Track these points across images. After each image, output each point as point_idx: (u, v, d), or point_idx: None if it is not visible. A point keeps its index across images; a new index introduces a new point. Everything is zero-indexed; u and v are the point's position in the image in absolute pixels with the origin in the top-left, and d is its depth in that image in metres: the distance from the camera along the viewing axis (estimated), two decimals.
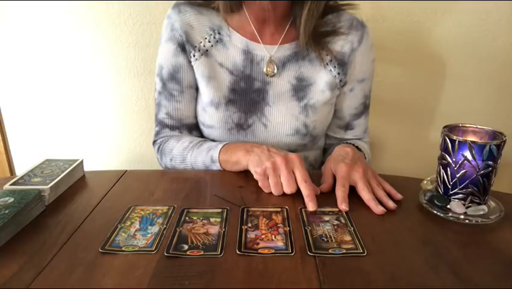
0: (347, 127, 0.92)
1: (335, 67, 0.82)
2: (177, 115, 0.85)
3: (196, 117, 0.87)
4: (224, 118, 0.82)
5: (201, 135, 0.90)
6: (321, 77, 0.82)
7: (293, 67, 0.82)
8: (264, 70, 0.81)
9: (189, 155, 0.80)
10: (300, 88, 0.82)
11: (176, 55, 0.82)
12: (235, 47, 0.81)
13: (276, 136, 0.83)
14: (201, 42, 0.81)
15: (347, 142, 0.91)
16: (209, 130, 0.85)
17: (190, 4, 0.82)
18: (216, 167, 0.76)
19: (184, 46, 0.81)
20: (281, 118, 0.82)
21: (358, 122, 0.91)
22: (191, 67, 0.82)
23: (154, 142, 0.88)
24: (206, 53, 0.81)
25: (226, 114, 0.82)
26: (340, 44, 0.83)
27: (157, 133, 0.88)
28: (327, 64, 0.82)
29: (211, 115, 0.82)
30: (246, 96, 0.82)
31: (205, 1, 0.82)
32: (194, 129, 0.88)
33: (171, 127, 0.86)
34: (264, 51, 0.82)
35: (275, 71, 0.81)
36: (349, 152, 0.77)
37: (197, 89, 0.85)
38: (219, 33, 0.81)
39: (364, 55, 0.85)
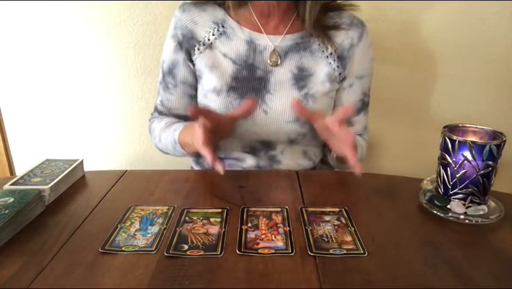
0: (347, 123, 0.92)
1: (334, 60, 0.85)
2: (168, 105, 0.90)
3: (186, 109, 0.91)
4: (225, 104, 0.83)
5: None
6: (322, 69, 0.84)
7: (294, 56, 0.84)
8: (268, 60, 0.84)
9: (163, 134, 0.85)
10: (300, 78, 0.84)
11: (175, 52, 0.86)
12: (238, 38, 0.84)
13: (276, 123, 0.83)
14: (205, 36, 0.84)
15: None
16: None
17: (194, 4, 0.86)
18: (180, 149, 0.80)
19: (183, 45, 0.85)
20: (282, 105, 0.83)
21: (357, 119, 0.92)
22: (188, 65, 0.86)
23: (149, 121, 0.95)
24: (210, 46, 0.84)
25: (227, 100, 0.83)
26: (341, 39, 0.85)
27: (151, 114, 0.95)
28: (327, 56, 0.84)
29: (213, 101, 0.84)
30: (248, 84, 0.84)
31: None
32: (182, 119, 0.91)
33: (161, 113, 0.92)
34: (267, 40, 0.84)
35: (279, 61, 0.84)
36: None
37: (191, 86, 0.89)
38: (223, 26, 0.84)
39: (363, 52, 0.86)
